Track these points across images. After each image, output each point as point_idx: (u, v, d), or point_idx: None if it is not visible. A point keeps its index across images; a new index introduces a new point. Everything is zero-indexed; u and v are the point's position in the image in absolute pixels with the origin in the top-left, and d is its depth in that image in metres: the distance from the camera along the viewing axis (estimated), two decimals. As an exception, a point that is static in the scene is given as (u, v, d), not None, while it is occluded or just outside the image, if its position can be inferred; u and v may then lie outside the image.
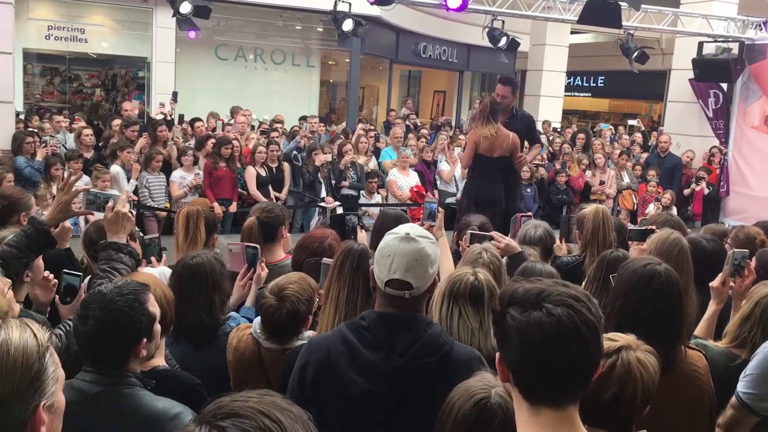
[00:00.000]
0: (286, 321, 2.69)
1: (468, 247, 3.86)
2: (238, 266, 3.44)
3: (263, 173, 9.00)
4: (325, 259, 3.21)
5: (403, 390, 2.09)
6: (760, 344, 2.83)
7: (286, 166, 9.28)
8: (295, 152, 9.70)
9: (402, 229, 2.16)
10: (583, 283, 3.28)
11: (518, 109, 7.18)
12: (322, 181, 9.52)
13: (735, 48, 11.16)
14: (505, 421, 1.74)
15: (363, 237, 3.90)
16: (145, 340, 2.15)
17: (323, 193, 9.52)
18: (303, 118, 12.54)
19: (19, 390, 1.38)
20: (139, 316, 2.13)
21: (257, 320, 2.80)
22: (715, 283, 3.30)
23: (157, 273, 3.08)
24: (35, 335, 1.44)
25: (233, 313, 3.13)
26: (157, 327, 2.23)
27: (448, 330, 2.51)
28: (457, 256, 3.96)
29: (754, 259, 3.75)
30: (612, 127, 15.76)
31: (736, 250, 3.53)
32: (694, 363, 2.51)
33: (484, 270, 2.72)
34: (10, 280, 2.55)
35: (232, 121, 10.97)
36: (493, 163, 6.53)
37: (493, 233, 3.97)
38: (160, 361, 2.47)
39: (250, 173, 8.90)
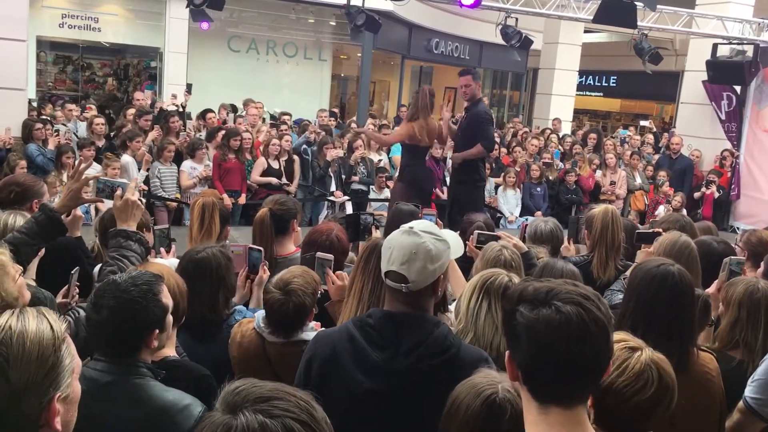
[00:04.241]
0: (292, 315, 2.70)
1: (475, 246, 3.86)
2: (238, 267, 3.38)
3: (275, 166, 9.03)
4: (319, 254, 3.19)
5: (408, 390, 2.08)
6: (753, 342, 2.85)
7: (296, 159, 9.31)
8: (304, 146, 9.72)
9: (410, 224, 2.17)
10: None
11: (477, 103, 6.98)
12: (332, 175, 9.53)
13: (750, 50, 11.10)
14: (515, 416, 1.73)
15: (378, 237, 3.91)
16: (157, 331, 2.15)
17: (333, 188, 9.53)
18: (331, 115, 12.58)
19: (34, 382, 1.38)
20: (152, 307, 2.13)
21: (260, 314, 2.80)
22: (711, 290, 3.29)
23: (168, 264, 3.09)
24: (52, 327, 1.44)
25: (239, 306, 3.13)
26: (169, 318, 2.24)
27: (473, 321, 2.52)
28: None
29: (762, 263, 3.74)
30: (630, 133, 15.68)
31: (732, 257, 3.52)
32: (705, 365, 2.51)
33: (515, 275, 2.73)
34: (21, 267, 2.56)
35: (243, 113, 10.99)
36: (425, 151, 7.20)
37: (500, 233, 3.97)
38: (170, 352, 2.47)
39: (260, 163, 8.95)
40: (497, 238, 3.80)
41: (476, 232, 3.95)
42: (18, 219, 3.18)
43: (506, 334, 1.59)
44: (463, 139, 6.96)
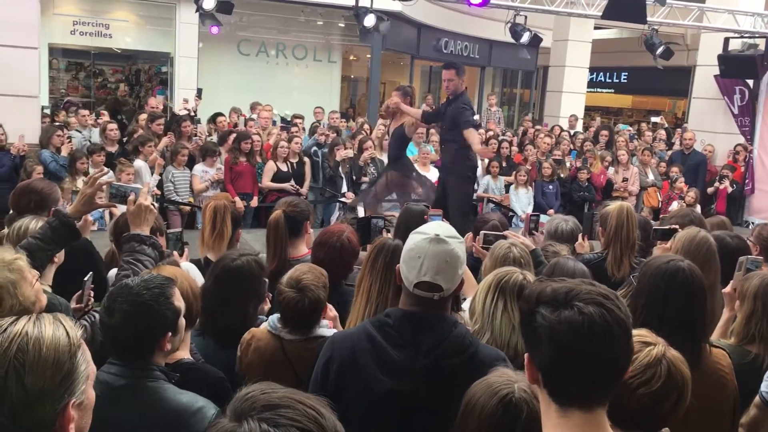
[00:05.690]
0: (308, 310, 2.71)
1: (481, 247, 3.85)
2: None
3: (284, 168, 9.05)
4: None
5: (428, 390, 2.08)
6: None
7: (307, 161, 9.33)
8: (314, 148, 9.74)
9: (431, 229, 2.13)
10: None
11: (459, 96, 6.90)
12: (343, 176, 9.54)
13: (761, 44, 11.01)
14: (531, 416, 1.72)
15: (385, 237, 3.91)
16: (170, 334, 2.16)
17: (344, 189, 9.54)
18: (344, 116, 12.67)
19: (50, 388, 1.39)
20: (164, 310, 2.14)
21: (273, 317, 2.81)
22: (727, 289, 3.24)
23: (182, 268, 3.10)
24: (68, 333, 1.44)
25: (262, 317, 3.13)
26: (182, 321, 2.25)
27: (489, 321, 2.52)
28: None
29: None
30: (631, 128, 15.59)
31: (749, 256, 3.49)
32: (718, 361, 2.49)
33: (528, 273, 2.72)
34: (38, 272, 2.58)
35: (254, 117, 11.03)
36: None
37: (507, 232, 3.96)
38: (184, 354, 2.49)
39: (269, 167, 8.98)
40: (504, 237, 3.79)
41: (482, 232, 3.94)
42: (40, 224, 3.22)
43: (525, 337, 1.56)
44: (450, 130, 6.92)
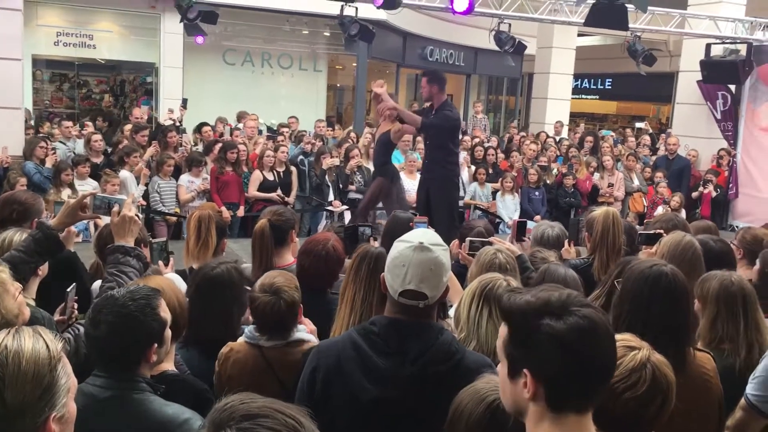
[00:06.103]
0: (285, 312, 2.70)
1: (467, 254, 3.85)
2: None
3: (271, 177, 9.04)
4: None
5: (415, 397, 2.07)
6: (735, 336, 2.84)
7: (293, 170, 9.33)
8: (301, 157, 9.74)
9: (415, 236, 2.13)
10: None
11: (441, 106, 6.83)
12: (329, 184, 9.54)
13: (743, 49, 11.14)
14: (518, 422, 1.73)
15: (368, 245, 3.90)
16: (156, 345, 2.15)
17: (331, 197, 9.54)
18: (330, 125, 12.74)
19: (30, 402, 1.38)
20: (150, 322, 2.13)
21: (248, 328, 2.80)
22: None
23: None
24: (48, 346, 1.44)
25: (245, 327, 3.12)
26: (168, 332, 2.24)
27: (475, 329, 2.52)
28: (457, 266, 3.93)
29: (757, 260, 3.74)
30: (613, 134, 15.71)
31: None
32: (703, 365, 2.50)
33: (512, 279, 2.73)
34: (21, 285, 2.56)
35: (240, 126, 11.01)
36: None
37: (492, 238, 3.97)
38: (169, 366, 2.47)
39: (256, 177, 8.96)
40: (490, 243, 3.80)
41: (468, 239, 3.95)
42: (24, 236, 3.20)
43: (524, 351, 1.54)
44: (433, 138, 6.98)
